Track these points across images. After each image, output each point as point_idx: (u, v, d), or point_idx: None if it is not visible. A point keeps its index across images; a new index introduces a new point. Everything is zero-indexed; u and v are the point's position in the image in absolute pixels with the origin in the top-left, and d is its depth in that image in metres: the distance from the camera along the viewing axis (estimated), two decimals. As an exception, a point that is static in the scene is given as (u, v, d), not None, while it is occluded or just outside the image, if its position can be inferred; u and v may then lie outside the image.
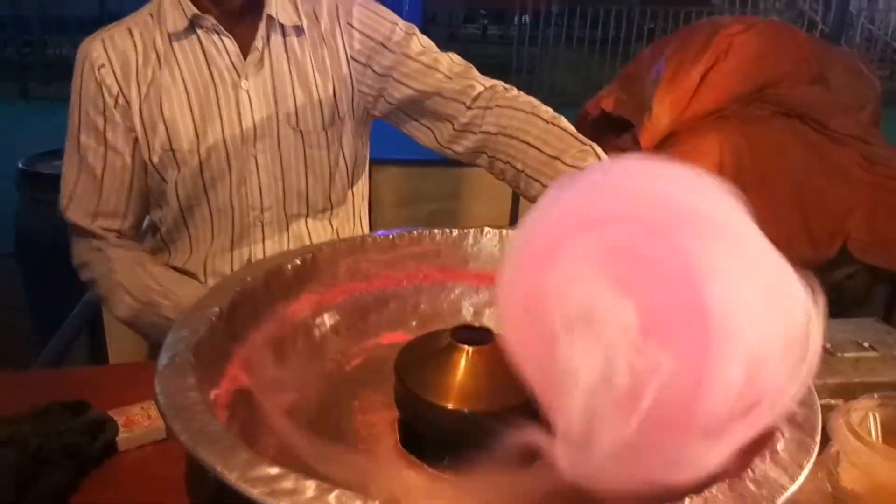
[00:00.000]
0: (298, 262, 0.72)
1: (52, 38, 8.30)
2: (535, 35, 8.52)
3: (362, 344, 0.77)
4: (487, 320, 0.80)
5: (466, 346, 0.61)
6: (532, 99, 1.02)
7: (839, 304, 1.82)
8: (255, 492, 0.41)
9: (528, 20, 8.82)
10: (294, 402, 0.67)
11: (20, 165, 2.17)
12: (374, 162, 2.60)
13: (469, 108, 1.02)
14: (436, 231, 0.83)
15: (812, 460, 0.45)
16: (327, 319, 0.76)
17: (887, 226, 1.87)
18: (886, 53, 9.15)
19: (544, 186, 0.94)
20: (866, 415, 0.90)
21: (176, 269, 1.07)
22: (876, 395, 0.91)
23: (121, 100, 0.99)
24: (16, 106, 7.07)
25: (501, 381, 0.61)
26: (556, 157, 0.94)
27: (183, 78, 0.99)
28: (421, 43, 1.06)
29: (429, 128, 1.06)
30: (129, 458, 0.65)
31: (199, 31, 1.00)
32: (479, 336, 0.63)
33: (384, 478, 0.58)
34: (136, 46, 0.99)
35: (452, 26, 11.05)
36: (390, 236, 0.80)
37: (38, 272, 2.11)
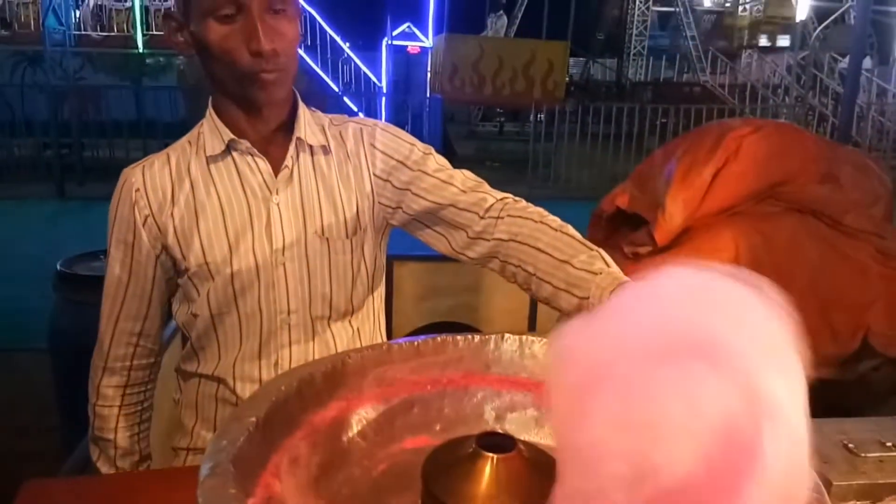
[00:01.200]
0: (329, 369, 0.76)
1: (89, 141, 8.75)
2: (549, 131, 8.78)
3: (388, 449, 0.80)
4: (509, 424, 0.82)
5: (491, 454, 0.64)
6: (541, 209, 1.09)
7: (866, 398, 1.80)
8: None
9: (542, 117, 9.13)
10: (323, 509, 0.69)
11: (59, 267, 2.27)
12: (396, 258, 2.68)
13: (482, 217, 1.09)
14: (458, 337, 0.87)
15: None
16: (355, 425, 0.79)
17: (912, 314, 1.86)
18: (898, 144, 9.29)
19: (555, 288, 1.00)
20: (893, 519, 0.89)
21: (205, 376, 1.12)
22: (902, 499, 0.91)
23: (150, 221, 1.09)
24: (53, 206, 7.38)
25: (526, 488, 0.63)
26: (565, 262, 1.00)
27: (219, 197, 1.08)
28: (437, 161, 1.16)
29: (444, 235, 1.14)
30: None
31: (235, 154, 1.10)
32: (503, 443, 0.65)
33: (411, 587, 0.60)
34: (171, 173, 1.10)
35: (471, 124, 11.46)
36: (415, 343, 0.84)
37: (70, 370, 2.15)
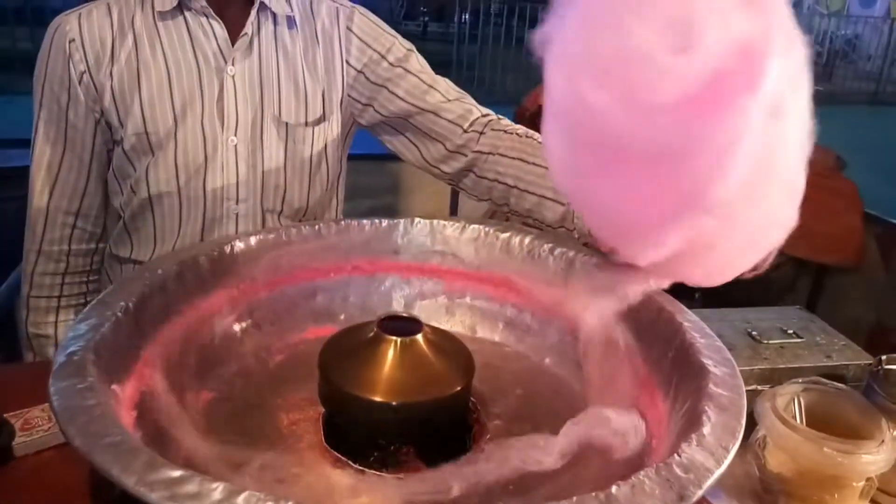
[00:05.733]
0: (216, 253, 0.69)
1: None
2: (474, 33, 8.55)
3: (287, 339, 0.74)
4: (419, 312, 0.78)
5: (394, 338, 0.59)
6: (526, 128, 1.02)
7: (766, 294, 1.88)
8: (154, 496, 0.37)
9: (467, 18, 8.85)
10: (212, 402, 0.64)
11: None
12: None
13: (465, 131, 1.02)
14: (364, 221, 0.80)
15: (738, 444, 0.44)
16: (248, 314, 0.72)
17: (810, 219, 1.91)
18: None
19: (540, 197, 0.95)
20: (791, 399, 0.92)
21: (140, 263, 1.02)
22: (800, 380, 0.94)
23: (86, 79, 0.95)
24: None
25: (431, 372, 0.59)
26: None
27: (166, 59, 0.95)
28: (419, 62, 1.06)
29: (416, 145, 1.06)
30: (27, 464, 0.60)
31: (188, 13, 0.96)
32: (406, 326, 0.61)
33: (307, 477, 0.55)
34: (112, 26, 0.95)
35: (394, 22, 10.96)
36: (316, 226, 0.77)
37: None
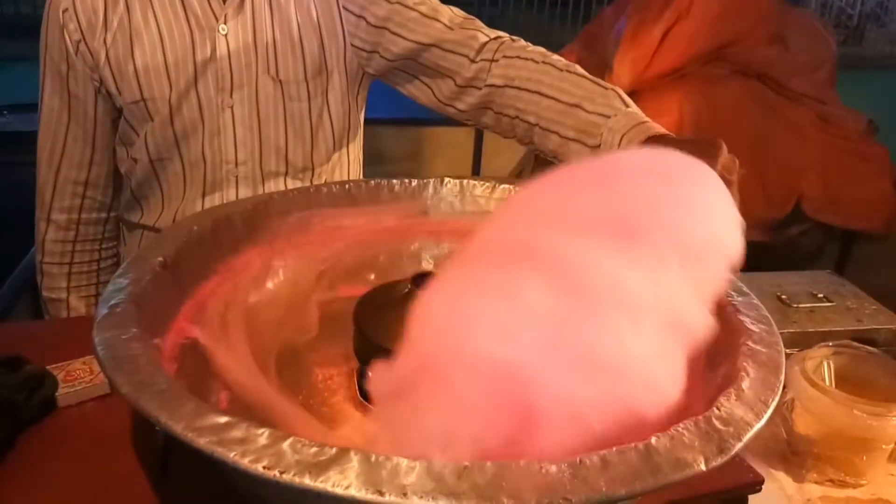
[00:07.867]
0: (249, 210, 0.69)
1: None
2: (495, -4, 8.44)
3: (318, 296, 0.75)
4: (448, 272, 0.78)
5: (427, 294, 0.59)
6: (543, 49, 0.94)
7: (793, 260, 1.86)
8: (202, 441, 0.38)
9: (488, -19, 8.71)
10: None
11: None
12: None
13: (473, 61, 0.93)
14: (394, 181, 0.80)
15: (777, 398, 0.44)
16: (281, 271, 0.73)
17: (839, 185, 1.90)
18: (840, 19, 9.31)
19: (563, 138, 0.85)
20: (821, 363, 0.92)
21: (149, 228, 1.03)
22: (830, 344, 0.93)
23: (82, 47, 0.94)
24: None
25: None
26: (575, 105, 0.85)
27: (157, 22, 0.93)
28: None
29: (428, 86, 0.99)
30: (70, 415, 0.61)
31: None
32: (439, 284, 0.61)
33: (343, 429, 0.57)
34: None
35: (412, -14, 10.78)
36: (346, 186, 0.77)
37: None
